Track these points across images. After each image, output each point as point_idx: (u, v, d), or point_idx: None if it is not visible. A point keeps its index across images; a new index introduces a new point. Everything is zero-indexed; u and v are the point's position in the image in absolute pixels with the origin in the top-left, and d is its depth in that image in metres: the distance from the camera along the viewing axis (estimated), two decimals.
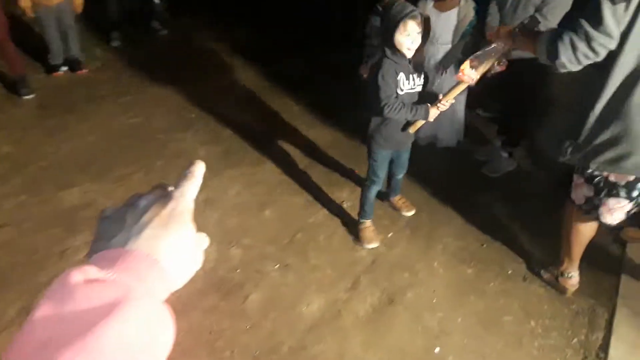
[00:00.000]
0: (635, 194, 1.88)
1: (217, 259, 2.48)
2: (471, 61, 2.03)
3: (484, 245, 2.58)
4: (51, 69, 4.06)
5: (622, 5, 1.53)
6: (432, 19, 2.92)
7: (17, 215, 2.71)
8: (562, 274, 2.31)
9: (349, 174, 3.08)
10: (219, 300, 2.27)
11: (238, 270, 2.43)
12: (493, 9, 2.78)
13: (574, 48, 1.63)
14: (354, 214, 2.73)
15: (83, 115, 3.60)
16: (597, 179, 1.91)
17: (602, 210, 1.95)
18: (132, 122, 3.54)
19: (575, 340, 2.13)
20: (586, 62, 1.66)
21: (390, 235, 2.65)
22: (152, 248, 0.44)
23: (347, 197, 2.91)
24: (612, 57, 1.65)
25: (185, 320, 2.16)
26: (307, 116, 3.71)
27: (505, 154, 3.09)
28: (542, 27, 2.52)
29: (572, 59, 1.65)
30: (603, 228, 2.12)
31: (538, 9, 2.55)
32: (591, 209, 2.00)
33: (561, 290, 2.33)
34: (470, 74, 2.04)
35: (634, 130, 1.72)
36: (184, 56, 4.46)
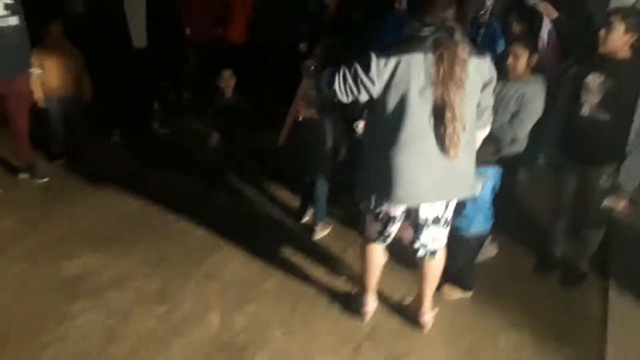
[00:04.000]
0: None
1: (220, 325, 2.51)
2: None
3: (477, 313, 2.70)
4: (54, 156, 4.22)
5: (382, 60, 1.97)
6: None
7: (16, 282, 2.70)
8: (362, 302, 2.60)
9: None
10: None
11: (241, 335, 2.45)
12: None
13: (344, 80, 2.05)
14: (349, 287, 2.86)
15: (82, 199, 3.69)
16: (380, 215, 2.29)
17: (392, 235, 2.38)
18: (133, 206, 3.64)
19: None
20: (352, 95, 2.09)
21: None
22: None
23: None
24: (380, 103, 2.06)
25: None
26: None
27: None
28: (519, 132, 2.93)
29: (342, 89, 2.08)
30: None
31: (514, 115, 2.94)
32: (385, 239, 2.39)
33: (362, 314, 2.60)
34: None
35: (397, 165, 2.08)
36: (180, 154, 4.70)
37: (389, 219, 2.29)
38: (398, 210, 2.25)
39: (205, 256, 3.06)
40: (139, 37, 4.76)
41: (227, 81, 3.88)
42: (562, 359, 2.42)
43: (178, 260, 3.00)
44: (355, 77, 2.02)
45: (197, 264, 2.98)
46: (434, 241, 2.32)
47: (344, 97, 2.10)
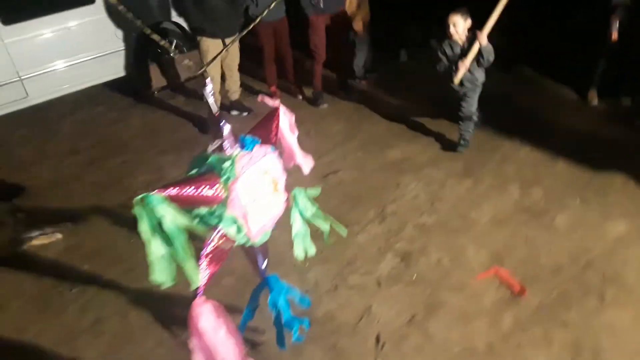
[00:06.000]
0: None
1: (519, 194, 3.04)
2: None
3: None
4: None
5: None
6: None
7: (358, 163, 3.72)
8: None
9: None
10: (530, 219, 2.81)
11: (541, 202, 2.94)
12: None
13: None
14: None
15: (385, 106, 4.58)
16: None
17: None
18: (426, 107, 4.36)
19: None
20: None
21: None
22: None
23: None
24: None
25: (507, 226, 2.77)
26: None
27: None
28: None
29: None
30: None
31: None
32: None
33: None
34: None
35: None
36: None
37: None
38: None
39: (498, 145, 3.59)
40: None
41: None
42: None
43: (476, 148, 3.59)
44: None
45: (492, 151, 3.54)
46: None
47: None
